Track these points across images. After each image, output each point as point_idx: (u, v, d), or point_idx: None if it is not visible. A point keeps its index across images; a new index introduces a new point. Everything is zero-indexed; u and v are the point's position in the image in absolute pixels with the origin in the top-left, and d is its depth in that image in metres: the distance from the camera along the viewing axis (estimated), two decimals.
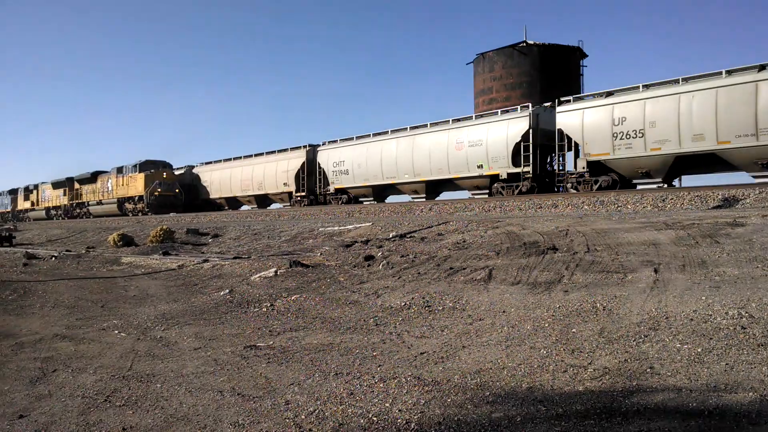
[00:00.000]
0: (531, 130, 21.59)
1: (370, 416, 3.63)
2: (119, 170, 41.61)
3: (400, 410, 3.68)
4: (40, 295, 9.63)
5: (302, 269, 9.70)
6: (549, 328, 5.15)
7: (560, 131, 20.92)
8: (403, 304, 6.82)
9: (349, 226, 15.36)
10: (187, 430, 3.66)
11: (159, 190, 38.11)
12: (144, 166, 39.31)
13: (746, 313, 4.79)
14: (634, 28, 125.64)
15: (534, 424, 3.28)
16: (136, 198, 39.31)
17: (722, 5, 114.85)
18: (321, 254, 11.30)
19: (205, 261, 12.23)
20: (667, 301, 5.35)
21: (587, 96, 21.13)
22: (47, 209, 51.70)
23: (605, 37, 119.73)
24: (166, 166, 40.49)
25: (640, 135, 18.29)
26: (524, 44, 31.36)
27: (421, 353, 4.92)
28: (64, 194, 48.46)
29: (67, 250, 18.11)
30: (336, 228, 15.49)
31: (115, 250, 17.30)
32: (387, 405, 3.79)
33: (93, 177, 45.03)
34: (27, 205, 54.68)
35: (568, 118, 20.60)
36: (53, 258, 15.86)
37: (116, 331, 6.79)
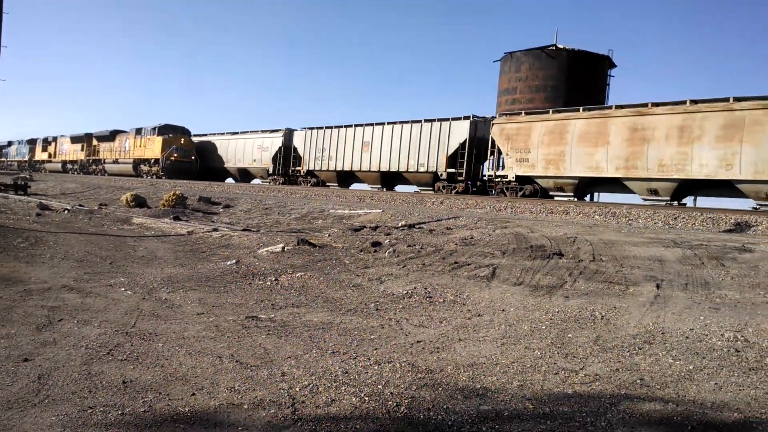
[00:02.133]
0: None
1: (362, 395, 3.73)
2: (138, 131, 41.83)
3: (391, 393, 3.78)
4: (50, 246, 9.81)
5: (309, 248, 9.80)
6: (546, 330, 5.23)
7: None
8: (405, 292, 6.92)
9: (360, 211, 15.45)
10: (185, 390, 3.78)
11: (175, 155, 38.34)
12: (163, 130, 39.49)
13: (742, 336, 4.84)
14: (667, 43, 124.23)
15: (520, 421, 3.37)
16: (152, 161, 39.56)
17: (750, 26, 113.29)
18: (329, 235, 11.41)
19: (215, 230, 12.36)
20: (666, 317, 5.41)
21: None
22: (63, 162, 52.15)
23: (637, 49, 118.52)
24: (185, 132, 40.66)
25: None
26: (554, 47, 31.13)
27: (417, 341, 5.01)
28: (82, 149, 48.84)
29: (80, 205, 18.33)
30: (346, 211, 15.58)
31: (127, 210, 17.50)
32: (380, 387, 3.89)
33: (111, 135, 45.31)
34: (44, 156, 55.17)
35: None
36: (66, 211, 16.08)
37: (122, 289, 6.94)
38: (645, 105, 18.66)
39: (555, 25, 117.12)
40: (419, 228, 11.89)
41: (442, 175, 25.04)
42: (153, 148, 39.38)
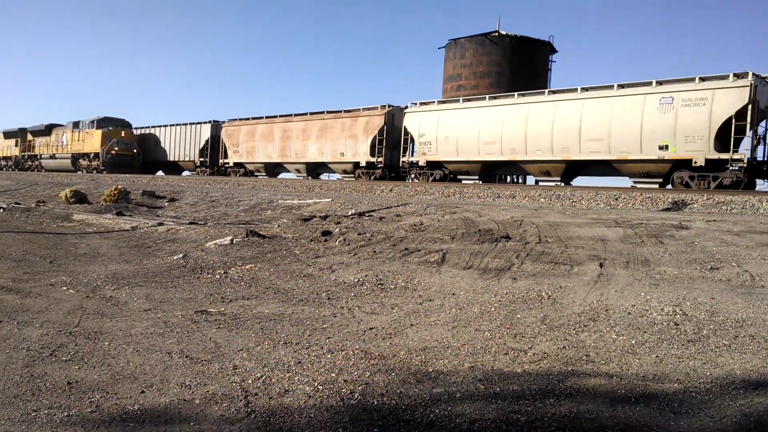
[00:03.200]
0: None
1: (316, 384, 3.73)
2: (75, 125, 40.34)
3: (345, 380, 3.79)
4: None
5: (258, 239, 9.70)
6: (495, 312, 5.34)
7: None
8: (356, 280, 6.93)
9: (309, 201, 15.35)
10: (133, 388, 3.70)
11: (116, 148, 37.19)
12: (102, 123, 38.20)
13: (680, 310, 5.05)
14: (607, 28, 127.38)
15: (472, 401, 3.43)
16: (92, 155, 38.24)
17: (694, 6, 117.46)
18: (278, 226, 11.30)
19: (160, 224, 12.08)
20: (609, 295, 5.59)
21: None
22: None
23: (578, 34, 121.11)
24: (125, 124, 39.45)
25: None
26: (497, 34, 31.53)
27: (370, 328, 5.04)
28: (16, 145, 46.82)
29: (16, 203, 17.59)
30: (296, 201, 15.46)
31: (67, 207, 16.89)
32: (333, 375, 3.90)
33: (47, 129, 43.59)
34: None
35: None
36: (1, 209, 15.42)
37: (64, 288, 6.71)
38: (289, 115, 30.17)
39: (498, 11, 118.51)
40: (369, 216, 11.90)
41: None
42: (92, 141, 38.05)
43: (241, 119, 33.99)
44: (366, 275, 7.07)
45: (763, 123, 17.27)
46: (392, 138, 25.50)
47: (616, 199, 13.87)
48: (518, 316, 5.19)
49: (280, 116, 31.06)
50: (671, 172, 17.25)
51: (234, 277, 7.35)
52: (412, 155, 24.61)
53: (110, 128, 37.88)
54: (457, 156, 22.39)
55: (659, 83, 17.56)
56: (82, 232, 11.74)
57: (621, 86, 18.29)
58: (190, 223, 12.18)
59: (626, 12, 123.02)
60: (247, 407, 3.40)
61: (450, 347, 4.45)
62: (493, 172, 22.87)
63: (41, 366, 4.08)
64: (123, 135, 38.11)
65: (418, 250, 8.12)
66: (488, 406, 3.35)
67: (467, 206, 12.32)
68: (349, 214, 12.47)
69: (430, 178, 23.47)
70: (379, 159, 25.60)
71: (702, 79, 16.71)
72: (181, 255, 8.75)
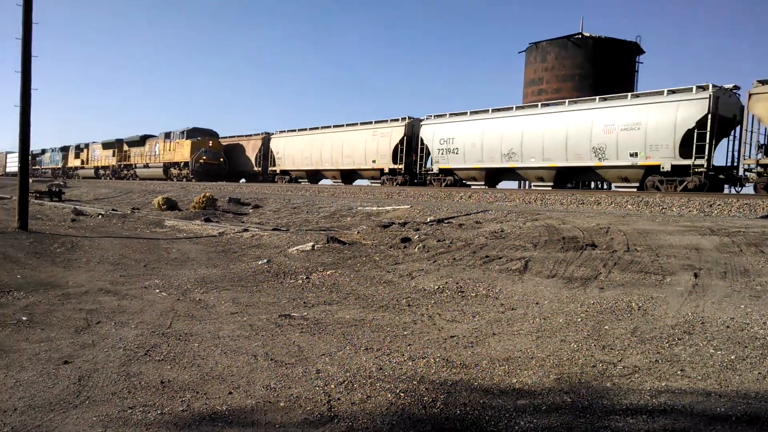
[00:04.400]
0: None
1: (398, 391, 3.71)
2: (167, 135, 42.38)
3: (427, 389, 3.76)
4: (86, 250, 10.00)
5: (339, 245, 9.82)
6: (581, 323, 5.15)
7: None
8: (436, 287, 6.88)
9: (388, 207, 15.43)
10: (221, 389, 3.81)
11: (204, 157, 38.76)
12: (191, 133, 39.93)
13: None
14: (695, 28, 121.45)
15: (559, 414, 3.32)
16: (182, 164, 40.05)
17: None
18: (358, 232, 11.42)
19: (245, 230, 12.47)
20: (705, 307, 5.29)
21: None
22: (96, 168, 53.12)
23: (666, 33, 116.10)
24: (213, 134, 41.06)
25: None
26: (579, 36, 30.67)
27: (451, 336, 4.98)
28: (113, 155, 49.68)
29: (113, 210, 18.66)
30: (374, 208, 15.58)
31: (159, 213, 17.76)
32: (414, 383, 3.87)
33: (142, 140, 45.99)
34: (77, 163, 56.24)
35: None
36: (100, 216, 16.38)
37: (157, 290, 7.03)
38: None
39: (580, 13, 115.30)
40: (448, 222, 11.82)
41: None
42: (182, 151, 39.86)
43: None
44: (446, 282, 7.02)
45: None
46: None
47: (710, 206, 13.12)
48: (606, 327, 4.99)
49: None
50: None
51: (316, 283, 7.47)
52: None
53: (199, 138, 39.54)
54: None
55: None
56: (173, 238, 12.29)
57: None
58: (274, 230, 12.51)
59: (717, 8, 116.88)
60: (330, 411, 3.42)
61: (534, 358, 4.33)
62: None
63: (136, 365, 4.27)
64: (210, 144, 39.69)
65: (499, 258, 7.98)
66: (576, 420, 3.22)
67: (549, 213, 12.01)
68: (428, 220, 12.43)
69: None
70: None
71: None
72: (265, 260, 8.99)
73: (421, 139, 25.91)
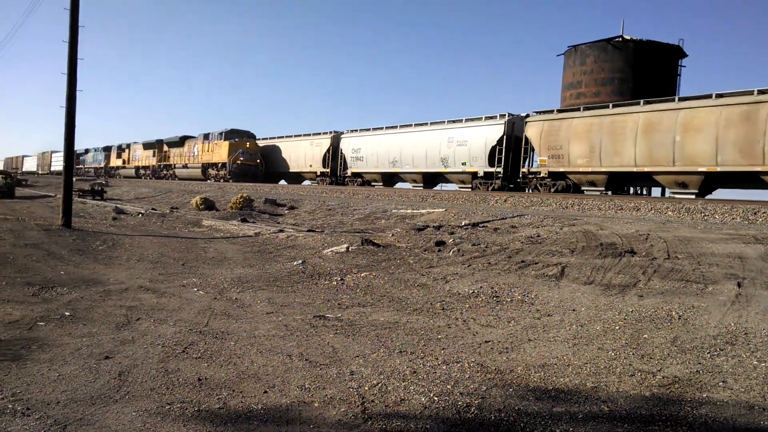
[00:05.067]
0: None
1: (432, 395, 3.70)
2: (206, 137, 43.10)
3: (461, 393, 3.73)
4: (126, 248, 10.23)
5: (373, 248, 9.85)
6: (619, 330, 5.06)
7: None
8: (471, 291, 6.84)
9: (422, 210, 15.41)
10: (257, 387, 3.85)
11: (241, 159, 39.27)
12: (229, 135, 40.53)
13: None
14: (739, 31, 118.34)
15: (596, 423, 3.26)
16: (219, 165, 40.66)
17: None
18: (392, 235, 11.42)
19: (281, 231, 12.60)
20: (748, 317, 5.14)
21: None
22: (137, 168, 54.32)
23: (709, 37, 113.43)
24: (250, 136, 41.60)
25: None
26: (620, 39, 30.12)
27: (485, 341, 4.94)
28: (153, 155, 50.73)
29: (152, 209, 19.05)
30: (409, 211, 15.58)
31: (197, 213, 18.07)
32: (449, 387, 3.86)
33: (181, 141, 46.86)
34: (119, 162, 57.59)
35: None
36: (140, 215, 16.75)
37: (195, 289, 7.15)
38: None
39: (621, 15, 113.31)
40: (483, 226, 11.74)
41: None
42: (220, 152, 40.47)
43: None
44: (481, 287, 6.97)
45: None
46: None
47: (755, 213, 12.75)
48: (645, 335, 4.89)
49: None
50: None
51: (350, 284, 7.50)
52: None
53: (236, 139, 40.09)
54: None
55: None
56: (211, 237, 12.49)
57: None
58: (309, 231, 12.61)
59: (760, 10, 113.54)
60: (364, 413, 3.43)
61: (571, 365, 4.27)
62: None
63: (174, 362, 4.35)
64: (248, 146, 40.19)
65: (535, 263, 7.89)
66: (614, 429, 3.17)
67: (587, 218, 11.83)
68: (463, 224, 12.37)
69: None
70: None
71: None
72: (300, 261, 9.06)
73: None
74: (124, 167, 56.79)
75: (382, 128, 31.22)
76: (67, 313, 5.74)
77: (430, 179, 28.49)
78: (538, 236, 9.90)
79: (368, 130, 33.21)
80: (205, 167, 42.86)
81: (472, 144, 25.50)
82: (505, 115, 24.89)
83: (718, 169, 17.16)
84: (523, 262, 8.04)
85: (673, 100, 19.05)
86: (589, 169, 20.74)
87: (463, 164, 25.81)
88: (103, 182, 38.27)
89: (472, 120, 26.29)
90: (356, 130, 34.22)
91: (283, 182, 40.41)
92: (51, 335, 5.00)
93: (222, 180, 39.63)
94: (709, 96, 18.04)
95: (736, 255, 7.43)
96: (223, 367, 4.26)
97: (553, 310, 5.89)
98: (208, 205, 19.57)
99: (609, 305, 5.86)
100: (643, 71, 29.44)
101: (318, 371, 4.18)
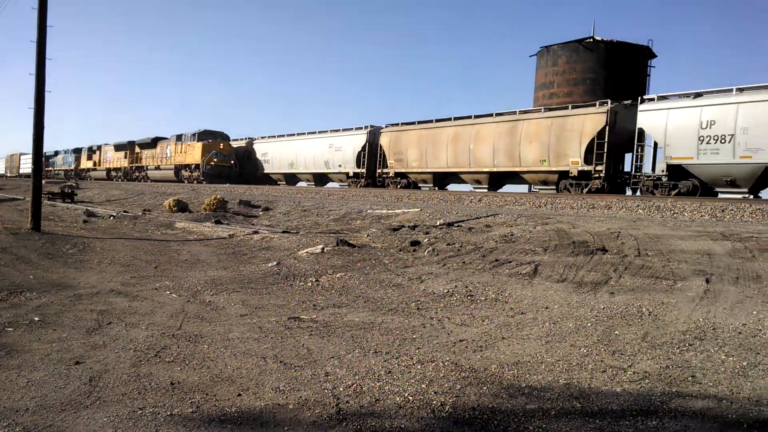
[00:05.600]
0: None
1: (406, 395, 3.71)
2: (178, 138, 42.62)
3: (435, 392, 3.75)
4: (98, 252, 10.07)
5: (348, 248, 9.84)
6: (591, 327, 5.13)
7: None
8: (445, 291, 6.87)
9: (398, 210, 15.44)
10: (231, 391, 3.83)
11: (215, 160, 38.94)
12: (202, 136, 40.14)
13: None
14: (710, 28, 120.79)
15: (568, 419, 3.30)
16: (193, 166, 40.25)
17: None
18: (368, 235, 11.43)
19: (255, 232, 12.52)
20: (716, 312, 5.25)
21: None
22: (108, 170, 53.51)
23: (678, 38, 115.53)
24: (224, 137, 41.26)
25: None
26: (591, 40, 30.54)
27: (460, 340, 4.97)
28: (125, 157, 50.03)
29: (124, 211, 18.78)
30: (384, 211, 15.59)
31: (170, 215, 17.85)
32: (423, 386, 3.87)
33: (153, 142, 46.29)
34: (89, 164, 56.66)
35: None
36: (111, 217, 16.50)
37: (168, 292, 7.07)
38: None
39: (592, 16, 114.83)
40: (458, 226, 11.80)
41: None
42: (193, 153, 40.05)
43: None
44: (455, 286, 7.01)
45: None
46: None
47: (723, 211, 13.02)
48: (616, 332, 4.96)
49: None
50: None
51: (325, 285, 7.48)
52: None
53: (210, 141, 39.74)
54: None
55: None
56: (184, 239, 12.35)
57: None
58: (284, 232, 12.55)
59: (731, 10, 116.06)
60: (338, 414, 3.43)
61: (544, 362, 4.31)
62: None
63: (147, 366, 4.30)
64: (221, 147, 39.87)
65: (509, 262, 7.96)
66: (586, 425, 3.21)
67: (560, 217, 11.97)
68: (438, 224, 12.42)
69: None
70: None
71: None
72: (274, 263, 9.02)
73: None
74: (95, 169, 55.91)
75: (283, 136, 37.28)
76: (36, 318, 5.63)
77: (319, 179, 34.55)
78: (512, 235, 9.98)
79: (274, 137, 38.89)
80: (178, 169, 42.39)
81: (345, 149, 31.30)
82: (368, 126, 30.04)
83: (495, 169, 23.55)
84: (497, 261, 8.10)
85: (471, 118, 25.20)
86: (420, 170, 26.99)
87: (339, 166, 31.67)
88: (74, 184, 37.59)
89: (347, 130, 32.03)
90: (265, 137, 40.04)
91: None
92: (20, 341, 4.91)
93: (195, 182, 39.27)
94: (490, 115, 24.83)
95: (705, 252, 7.58)
96: (196, 371, 4.22)
97: (527, 308, 5.95)
98: (182, 207, 19.35)
99: (581, 302, 5.93)
100: (614, 71, 29.90)
101: (293, 373, 4.17)
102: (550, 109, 23.66)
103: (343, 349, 4.74)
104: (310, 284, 7.58)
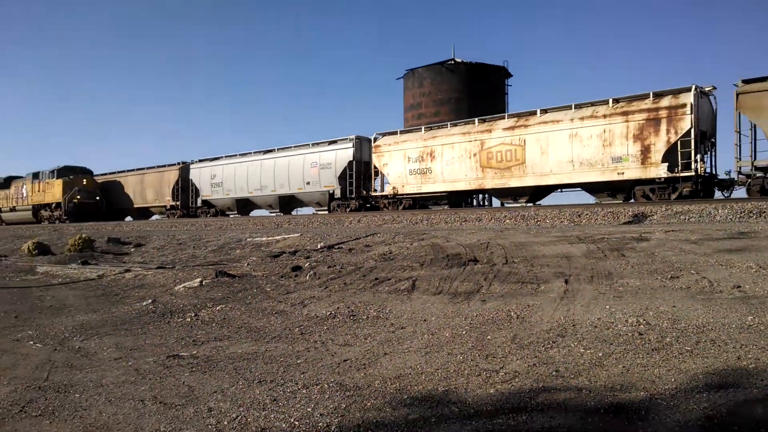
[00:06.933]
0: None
1: (292, 420, 3.74)
2: (35, 176, 39.67)
3: (321, 414, 3.81)
4: None
5: (228, 279, 9.65)
6: (466, 335, 5.42)
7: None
8: (328, 313, 6.95)
9: (278, 237, 15.34)
10: None
11: (78, 197, 36.64)
12: (62, 172, 37.66)
13: (644, 320, 5.20)
14: (561, 48, 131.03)
15: (447, 424, 3.49)
16: (54, 205, 37.59)
17: (648, 28, 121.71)
18: (248, 264, 11.26)
19: (127, 271, 11.93)
20: (575, 310, 5.73)
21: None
22: None
23: (532, 57, 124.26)
24: (87, 172, 38.96)
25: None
26: (452, 62, 32.20)
27: (344, 360, 5.06)
28: None
29: None
30: (264, 238, 15.43)
31: (30, 259, 16.54)
32: (309, 410, 3.91)
33: (6, 182, 42.79)
34: None
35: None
36: None
37: (31, 342, 6.59)
38: None
39: (452, 40, 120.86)
40: (338, 248, 11.95)
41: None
42: (53, 191, 37.44)
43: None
44: (338, 308, 7.10)
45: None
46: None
47: (579, 216, 14.17)
48: (489, 337, 5.28)
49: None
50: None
51: (205, 319, 7.30)
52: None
53: (71, 177, 37.35)
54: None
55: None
56: (47, 284, 11.52)
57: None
58: (158, 268, 12.06)
59: (577, 31, 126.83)
60: None
61: (424, 373, 4.51)
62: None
63: (11, 423, 4.01)
64: (85, 183, 37.61)
65: (388, 279, 8.19)
66: (463, 428, 3.41)
67: (435, 232, 12.46)
68: (318, 247, 12.50)
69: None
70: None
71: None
72: (150, 300, 8.66)
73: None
74: None
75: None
76: None
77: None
78: (390, 253, 10.27)
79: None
80: (37, 209, 39.44)
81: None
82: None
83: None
84: (377, 279, 8.30)
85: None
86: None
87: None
88: None
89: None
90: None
91: (129, 219, 38.24)
92: None
93: (57, 221, 36.70)
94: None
95: (564, 255, 8.23)
96: (67, 422, 3.99)
97: (407, 323, 6.16)
98: (43, 249, 18.00)
99: (456, 312, 6.24)
100: (476, 91, 31.70)
101: (173, 413, 4.05)
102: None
103: (226, 383, 4.67)
104: (189, 319, 7.36)
